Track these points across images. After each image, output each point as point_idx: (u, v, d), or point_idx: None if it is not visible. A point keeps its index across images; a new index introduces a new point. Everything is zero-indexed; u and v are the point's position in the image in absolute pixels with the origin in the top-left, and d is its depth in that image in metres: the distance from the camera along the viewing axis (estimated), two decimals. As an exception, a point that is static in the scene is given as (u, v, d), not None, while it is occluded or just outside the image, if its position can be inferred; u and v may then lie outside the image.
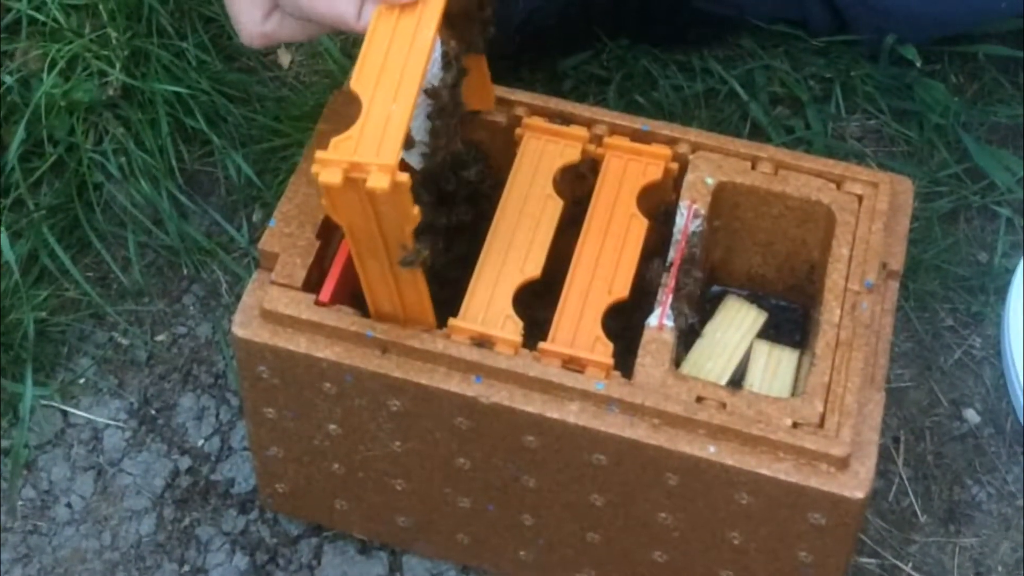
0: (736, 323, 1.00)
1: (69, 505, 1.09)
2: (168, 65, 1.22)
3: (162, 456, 1.11)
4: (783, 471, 0.86)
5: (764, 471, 0.86)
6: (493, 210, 0.95)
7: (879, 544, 1.07)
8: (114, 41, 1.21)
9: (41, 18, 1.22)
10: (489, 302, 0.91)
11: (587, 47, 1.29)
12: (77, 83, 1.19)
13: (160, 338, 1.17)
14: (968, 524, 1.08)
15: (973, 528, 1.08)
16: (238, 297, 1.07)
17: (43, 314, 1.15)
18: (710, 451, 0.87)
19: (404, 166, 0.88)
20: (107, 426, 1.12)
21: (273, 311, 0.91)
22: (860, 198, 0.96)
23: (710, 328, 1.00)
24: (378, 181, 0.80)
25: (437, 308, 0.90)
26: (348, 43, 1.29)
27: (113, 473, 1.10)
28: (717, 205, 0.97)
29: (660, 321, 0.91)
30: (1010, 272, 1.17)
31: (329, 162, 0.81)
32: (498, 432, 0.90)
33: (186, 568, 1.06)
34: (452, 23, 0.90)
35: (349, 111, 0.99)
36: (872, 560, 1.06)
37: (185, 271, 1.20)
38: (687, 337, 0.97)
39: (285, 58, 1.31)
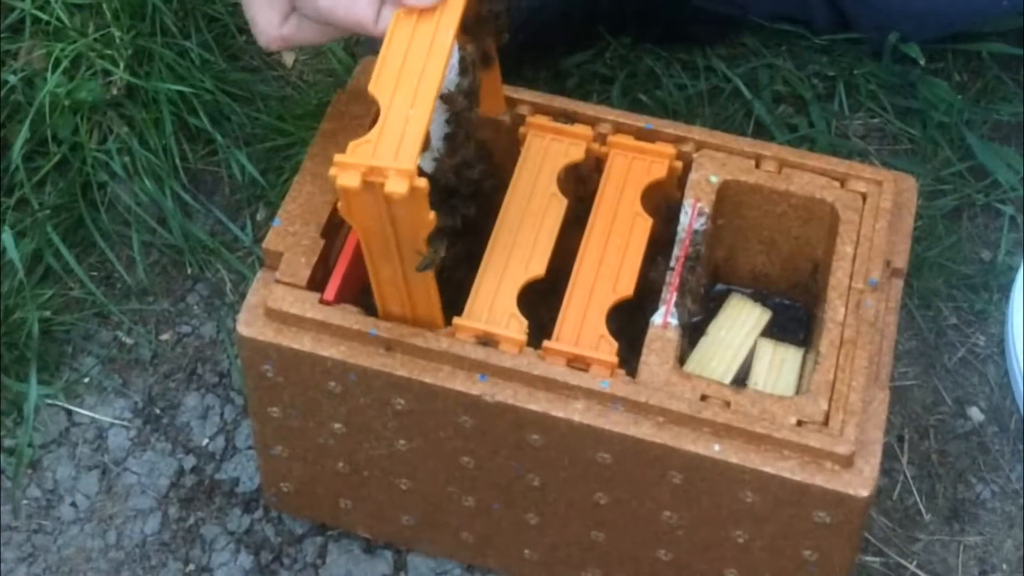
0: (740, 321, 1.00)
1: (74, 504, 1.09)
2: (172, 64, 1.23)
3: (167, 455, 1.11)
4: (788, 469, 0.86)
5: (769, 469, 0.86)
6: (497, 209, 0.95)
7: (883, 542, 1.07)
8: (118, 40, 1.21)
9: (45, 17, 1.22)
10: (493, 301, 0.91)
11: (590, 46, 1.29)
12: (81, 82, 1.19)
13: (164, 337, 1.17)
14: (972, 522, 1.08)
15: (977, 526, 1.08)
16: (242, 296, 1.06)
17: (47, 313, 1.15)
18: (715, 449, 0.87)
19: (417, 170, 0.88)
20: (111, 425, 1.12)
21: (277, 310, 0.91)
22: (864, 196, 0.96)
23: (714, 327, 1.00)
24: (396, 186, 0.79)
25: (442, 308, 0.90)
26: (351, 42, 1.29)
27: (118, 472, 1.10)
28: (721, 203, 0.97)
29: (664, 319, 0.91)
30: (1013, 270, 1.16)
31: (347, 165, 0.80)
32: (502, 431, 0.90)
33: (191, 567, 1.06)
34: (467, 29, 0.89)
35: (353, 110, 0.99)
36: (876, 558, 1.06)
37: (189, 270, 1.20)
38: (691, 336, 0.97)
39: (289, 57, 1.31)
